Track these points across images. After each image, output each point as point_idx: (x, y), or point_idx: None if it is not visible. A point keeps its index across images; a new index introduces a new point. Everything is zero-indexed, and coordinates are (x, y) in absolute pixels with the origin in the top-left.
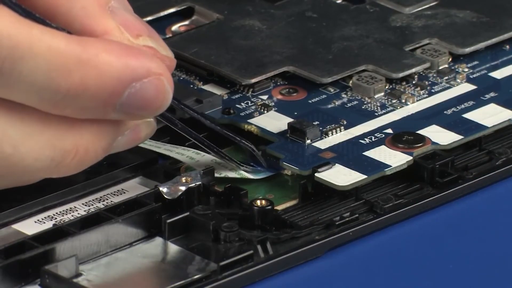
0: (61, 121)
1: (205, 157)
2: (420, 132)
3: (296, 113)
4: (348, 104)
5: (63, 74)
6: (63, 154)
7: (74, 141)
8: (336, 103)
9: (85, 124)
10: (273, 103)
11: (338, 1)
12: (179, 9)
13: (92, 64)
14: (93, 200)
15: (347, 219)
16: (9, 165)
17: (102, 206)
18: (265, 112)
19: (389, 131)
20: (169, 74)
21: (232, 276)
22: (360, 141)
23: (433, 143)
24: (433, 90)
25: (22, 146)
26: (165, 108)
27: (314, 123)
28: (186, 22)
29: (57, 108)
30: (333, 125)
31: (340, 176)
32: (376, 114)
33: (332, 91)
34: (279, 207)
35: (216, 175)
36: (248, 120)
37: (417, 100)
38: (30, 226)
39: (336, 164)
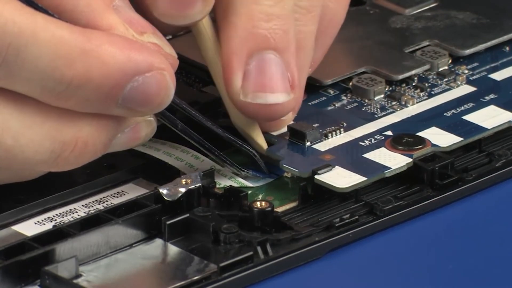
0: (61, 113)
1: (204, 162)
2: (420, 134)
3: (296, 115)
4: (348, 106)
5: (67, 63)
6: (62, 146)
7: (74, 133)
8: (336, 105)
9: (85, 117)
10: None
11: None
12: None
13: (95, 55)
14: (93, 201)
15: (347, 220)
16: (9, 157)
17: (102, 208)
18: None
19: (389, 133)
20: (172, 70)
21: (232, 277)
22: (360, 143)
23: (433, 145)
24: (433, 92)
25: (23, 138)
26: (167, 104)
27: (314, 125)
28: None
29: (59, 99)
30: (333, 127)
31: (340, 178)
32: (376, 116)
33: (332, 93)
34: (279, 209)
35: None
36: None
37: (417, 102)
38: (30, 227)
39: (336, 166)
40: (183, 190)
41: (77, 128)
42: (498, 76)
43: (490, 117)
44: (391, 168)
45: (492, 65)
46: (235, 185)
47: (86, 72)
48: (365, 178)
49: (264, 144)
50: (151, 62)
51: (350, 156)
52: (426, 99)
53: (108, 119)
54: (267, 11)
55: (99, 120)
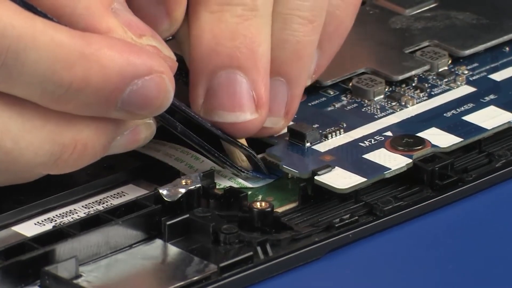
0: (60, 116)
1: (204, 163)
2: (420, 134)
3: (295, 116)
4: (348, 107)
5: (66, 67)
6: (62, 149)
7: (73, 136)
8: (336, 106)
9: (84, 120)
10: None
11: None
12: None
13: (94, 59)
14: (93, 202)
15: (346, 221)
16: (9, 159)
17: (102, 209)
18: None
19: (389, 133)
20: (171, 73)
21: (231, 278)
22: (360, 144)
23: (433, 145)
24: (432, 93)
25: (22, 141)
26: (166, 107)
27: (313, 126)
28: None
29: (59, 103)
30: (332, 128)
31: (339, 179)
32: (376, 116)
33: (331, 93)
34: (279, 210)
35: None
36: None
37: (417, 103)
38: (30, 228)
39: (336, 167)
40: (183, 190)
41: (77, 130)
42: (498, 76)
43: (490, 118)
44: (391, 168)
45: (492, 65)
46: (235, 185)
47: (85, 76)
48: (365, 179)
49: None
50: (150, 65)
51: (350, 156)
52: (426, 100)
53: (108, 121)
54: (232, 29)
55: (99, 122)
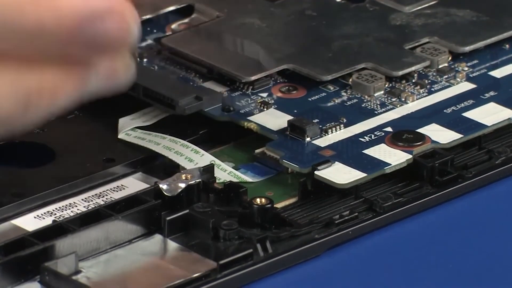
0: (19, 62)
1: (204, 157)
2: (420, 130)
3: (295, 111)
4: (348, 102)
5: (18, 11)
6: (28, 93)
7: (37, 80)
8: (336, 101)
9: (47, 63)
10: (272, 101)
11: (338, 0)
12: (179, 7)
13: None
14: (92, 196)
15: (346, 217)
16: None
17: (102, 202)
18: (265, 109)
19: (389, 129)
20: (132, 9)
21: (231, 275)
22: (360, 139)
23: (433, 141)
24: (433, 89)
25: None
26: (131, 43)
27: (314, 121)
28: (186, 20)
29: (16, 49)
30: (332, 123)
31: (339, 174)
32: (376, 112)
33: (331, 89)
34: (279, 205)
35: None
36: (248, 118)
37: (417, 99)
38: (29, 222)
39: (336, 162)
40: (183, 185)
41: (39, 74)
42: (498, 73)
43: (490, 114)
44: (391, 164)
45: (492, 62)
46: (235, 180)
47: (39, 20)
48: (365, 174)
49: None
50: (108, 4)
51: (350, 152)
52: (426, 96)
53: (74, 63)
54: None
55: (63, 64)
